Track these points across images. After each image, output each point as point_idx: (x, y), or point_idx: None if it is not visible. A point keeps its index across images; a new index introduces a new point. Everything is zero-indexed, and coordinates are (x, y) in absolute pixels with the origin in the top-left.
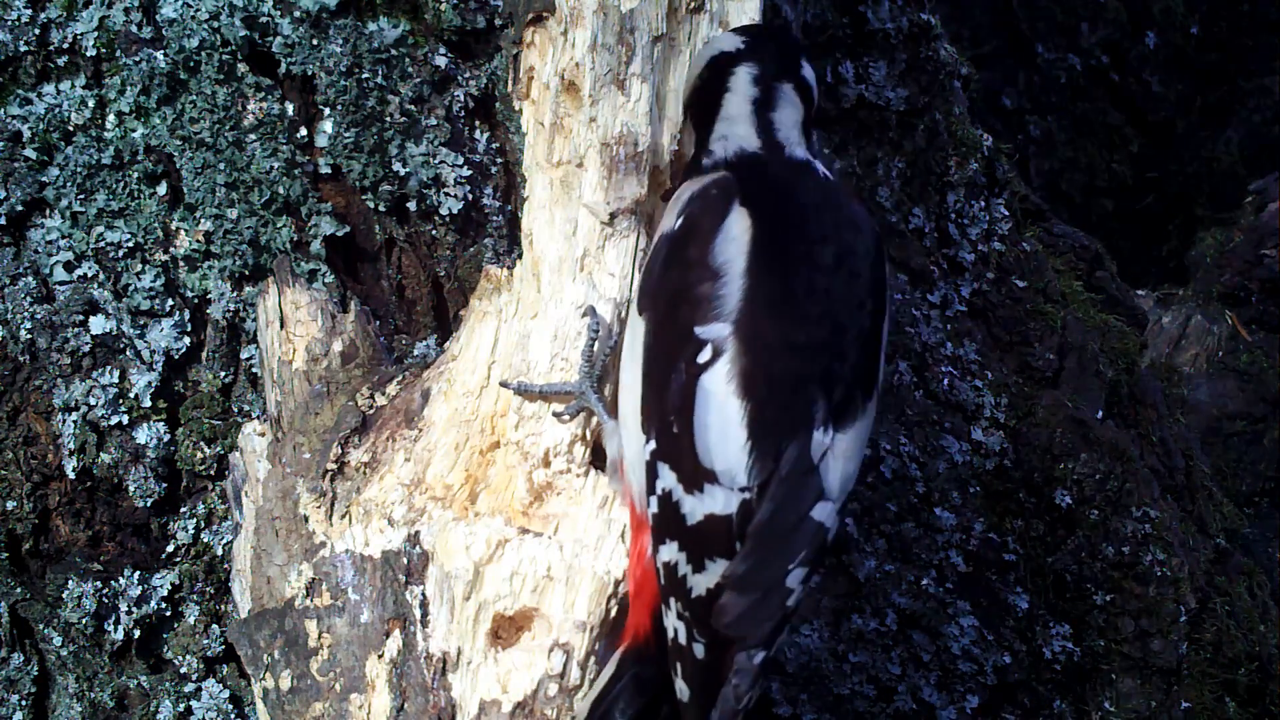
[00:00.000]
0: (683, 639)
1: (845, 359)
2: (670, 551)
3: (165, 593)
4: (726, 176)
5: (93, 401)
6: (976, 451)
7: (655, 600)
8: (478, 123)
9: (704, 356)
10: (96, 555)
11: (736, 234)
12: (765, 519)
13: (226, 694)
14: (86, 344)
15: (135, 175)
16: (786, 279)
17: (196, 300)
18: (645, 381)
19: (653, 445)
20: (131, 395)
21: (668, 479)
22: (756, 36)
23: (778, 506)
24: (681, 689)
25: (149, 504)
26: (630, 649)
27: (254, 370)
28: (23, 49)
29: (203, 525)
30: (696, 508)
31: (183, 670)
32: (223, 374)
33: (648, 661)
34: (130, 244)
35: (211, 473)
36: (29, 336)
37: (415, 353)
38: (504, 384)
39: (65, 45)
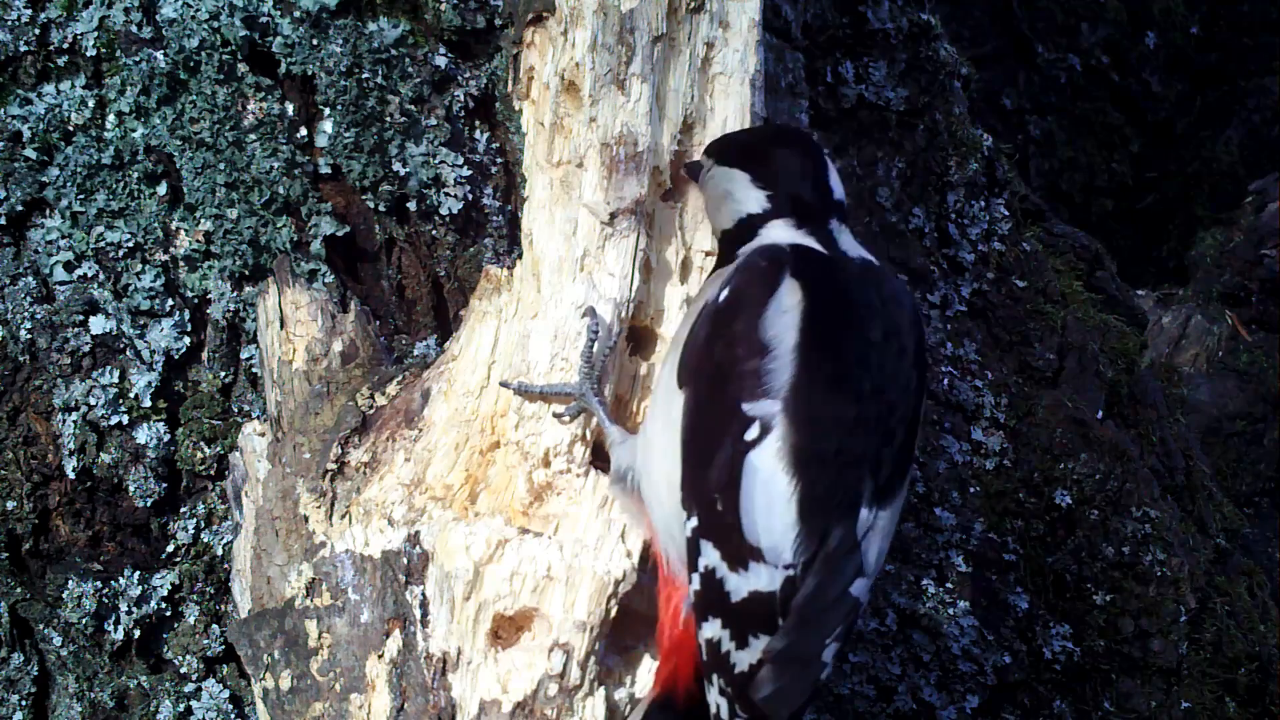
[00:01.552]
0: (724, 715)
1: (894, 437)
2: (713, 628)
3: (165, 593)
4: (777, 248)
5: (93, 401)
6: (976, 451)
7: (694, 660)
8: (478, 123)
9: (752, 434)
10: (96, 555)
11: (789, 306)
12: (810, 594)
13: (226, 694)
14: (86, 344)
15: (135, 175)
16: (839, 355)
17: (196, 300)
18: (685, 458)
19: (694, 522)
20: (131, 395)
21: (711, 556)
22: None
23: (822, 583)
24: None
25: (149, 504)
26: (658, 699)
27: (254, 370)
28: (23, 49)
29: (203, 525)
30: (741, 585)
31: (183, 670)
32: (223, 374)
33: (670, 711)
34: (130, 244)
35: (211, 473)
36: (29, 336)
37: (415, 353)
38: (504, 384)
39: (65, 45)
